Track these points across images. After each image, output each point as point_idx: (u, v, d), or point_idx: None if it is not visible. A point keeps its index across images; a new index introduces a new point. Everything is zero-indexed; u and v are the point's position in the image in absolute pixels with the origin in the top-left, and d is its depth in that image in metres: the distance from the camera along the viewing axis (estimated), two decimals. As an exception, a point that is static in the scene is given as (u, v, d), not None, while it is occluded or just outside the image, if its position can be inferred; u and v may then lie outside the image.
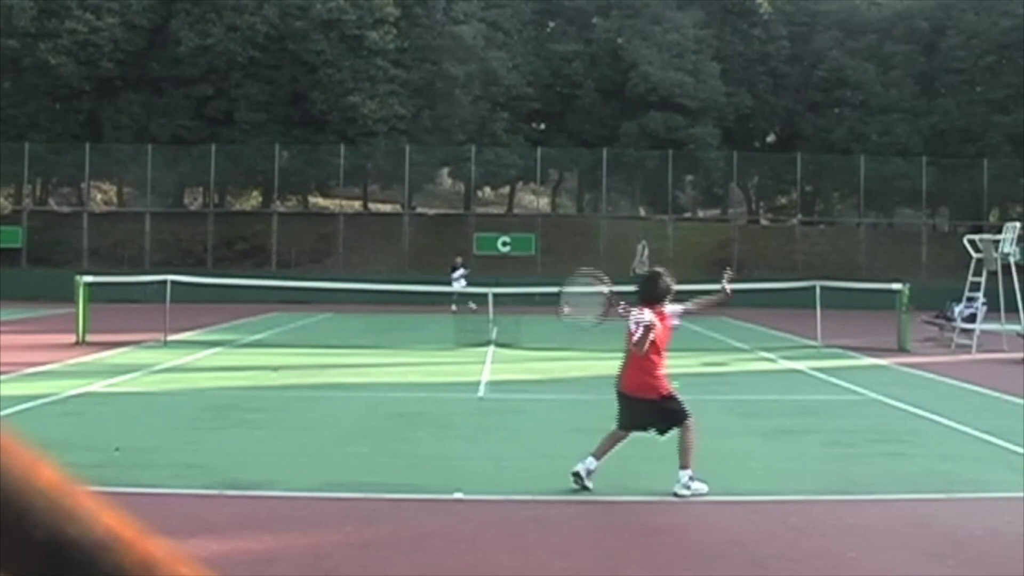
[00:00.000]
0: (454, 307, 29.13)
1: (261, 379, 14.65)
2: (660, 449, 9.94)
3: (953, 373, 16.07)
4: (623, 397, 7.91)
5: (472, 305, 27.61)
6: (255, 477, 8.16)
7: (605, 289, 8.45)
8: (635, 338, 7.64)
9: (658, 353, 7.81)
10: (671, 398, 7.86)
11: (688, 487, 7.59)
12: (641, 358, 7.74)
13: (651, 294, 7.98)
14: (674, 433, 7.82)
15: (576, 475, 7.68)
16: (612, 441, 7.92)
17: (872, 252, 41.29)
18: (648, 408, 7.80)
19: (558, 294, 8.82)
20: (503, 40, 43.51)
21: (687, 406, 7.86)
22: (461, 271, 30.81)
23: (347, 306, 29.18)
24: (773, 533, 6.73)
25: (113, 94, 41.35)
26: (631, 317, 7.77)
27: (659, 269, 8.44)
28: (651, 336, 7.64)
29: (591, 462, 7.74)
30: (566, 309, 8.64)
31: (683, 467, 7.65)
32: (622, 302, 8.12)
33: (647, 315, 7.72)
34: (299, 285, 27.04)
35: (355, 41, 40.06)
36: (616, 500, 7.61)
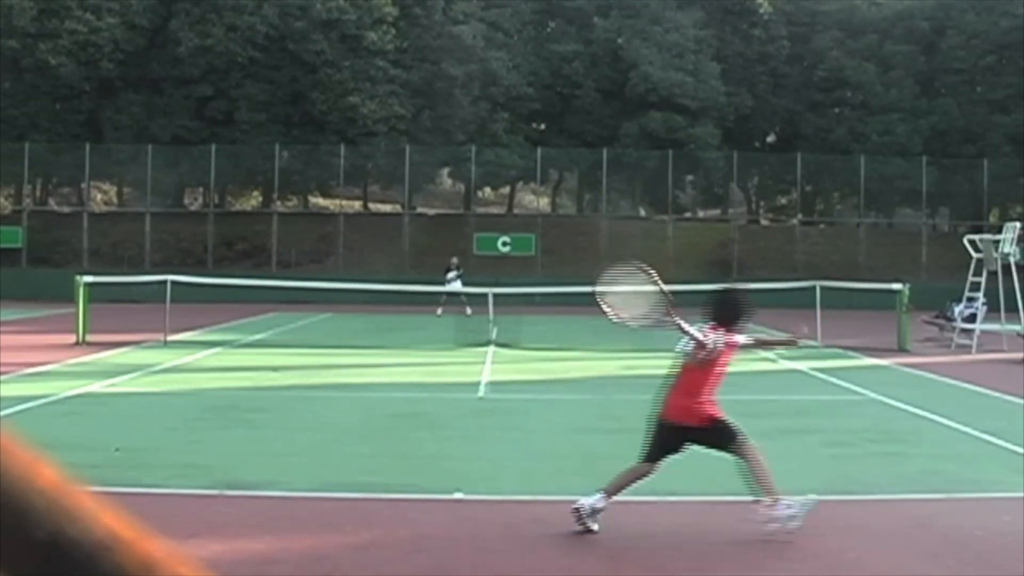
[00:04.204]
0: (440, 310, 28.11)
1: (261, 379, 14.65)
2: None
3: (953, 373, 16.07)
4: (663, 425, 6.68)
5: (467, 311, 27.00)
6: (255, 477, 8.16)
7: (659, 290, 6.81)
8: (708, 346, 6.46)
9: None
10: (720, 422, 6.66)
11: (789, 516, 6.45)
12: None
13: (726, 314, 6.71)
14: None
15: (577, 511, 6.54)
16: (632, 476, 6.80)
17: (872, 252, 41.27)
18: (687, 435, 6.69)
19: (603, 291, 7.00)
20: (503, 40, 43.49)
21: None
22: (455, 272, 29.82)
23: (347, 306, 29.17)
24: (773, 533, 6.73)
25: (113, 94, 41.33)
26: (693, 332, 6.49)
27: (738, 286, 7.25)
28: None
29: (599, 499, 6.61)
30: (609, 310, 6.89)
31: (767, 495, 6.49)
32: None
33: (713, 337, 6.52)
34: (299, 285, 27.01)
35: (355, 41, 40.05)
36: (616, 500, 7.59)
